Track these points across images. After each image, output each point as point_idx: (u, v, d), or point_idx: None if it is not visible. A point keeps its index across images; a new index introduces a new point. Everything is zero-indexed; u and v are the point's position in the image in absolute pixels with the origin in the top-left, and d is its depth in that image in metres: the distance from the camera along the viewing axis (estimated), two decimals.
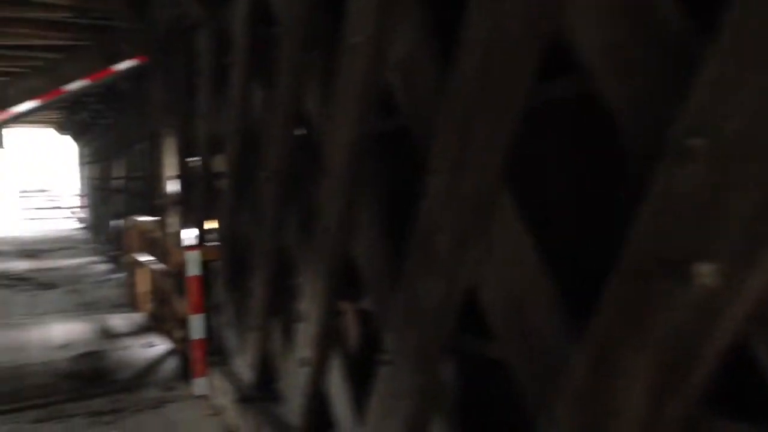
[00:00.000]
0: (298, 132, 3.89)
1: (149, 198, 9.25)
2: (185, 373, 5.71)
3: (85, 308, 9.36)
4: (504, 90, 2.13)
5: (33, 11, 7.73)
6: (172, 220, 7.33)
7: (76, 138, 26.09)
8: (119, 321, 7.82)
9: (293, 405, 4.03)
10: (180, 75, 6.14)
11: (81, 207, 26.96)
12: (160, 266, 6.87)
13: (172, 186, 7.49)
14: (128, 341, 6.84)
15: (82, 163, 27.96)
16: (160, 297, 7.37)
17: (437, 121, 2.47)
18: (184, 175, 6.70)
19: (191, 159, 6.71)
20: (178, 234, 6.66)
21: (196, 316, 5.37)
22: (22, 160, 27.05)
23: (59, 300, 10.08)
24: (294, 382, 3.99)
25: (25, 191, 27.36)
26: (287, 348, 4.27)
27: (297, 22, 3.65)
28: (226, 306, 5.37)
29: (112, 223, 15.10)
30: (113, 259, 13.76)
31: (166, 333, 6.96)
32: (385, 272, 3.04)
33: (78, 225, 25.24)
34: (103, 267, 13.65)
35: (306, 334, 3.74)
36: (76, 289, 11.03)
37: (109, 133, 16.58)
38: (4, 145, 26.15)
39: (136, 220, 8.03)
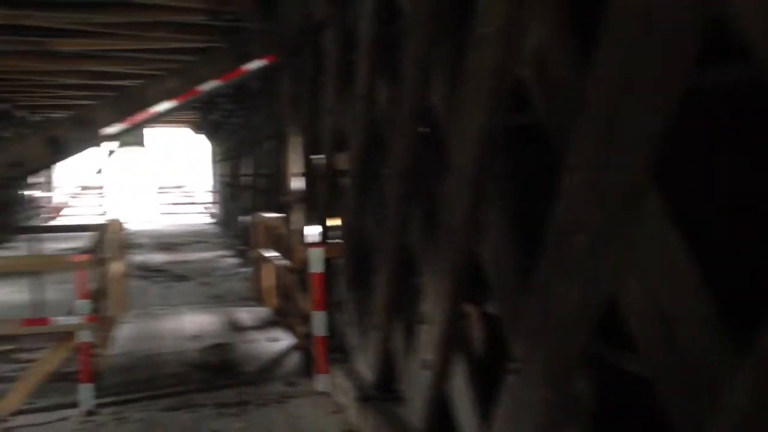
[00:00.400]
0: (422, 128, 3.80)
1: (275, 195, 9.49)
2: (308, 369, 5.77)
3: (215, 300, 9.74)
4: (657, 78, 1.93)
5: (169, 15, 8.10)
6: (296, 216, 7.47)
7: (209, 137, 27.43)
8: (245, 314, 8.06)
9: (414, 407, 3.94)
10: (306, 74, 6.22)
11: (212, 203, 28.32)
12: (285, 262, 7.00)
13: (297, 183, 7.63)
14: (254, 335, 7.02)
15: (214, 161, 29.37)
16: (284, 292, 7.53)
17: (576, 114, 2.30)
18: (309, 173, 6.79)
19: (316, 156, 6.80)
20: (301, 231, 6.76)
21: (319, 313, 5.40)
22: (160, 158, 28.76)
23: (191, 291, 10.55)
24: (416, 384, 3.91)
25: (162, 187, 29.07)
26: (409, 349, 4.19)
27: (423, 15, 3.56)
28: (347, 304, 5.37)
29: (240, 218, 15.70)
30: (241, 254, 14.30)
31: (290, 328, 7.09)
32: (513, 275, 2.89)
33: (210, 220, 26.52)
34: (232, 261, 14.21)
35: (429, 336, 3.65)
36: (206, 281, 11.52)
37: (239, 132, 17.26)
38: (144, 144, 27.98)
39: (263, 217, 8.24)
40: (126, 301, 8.59)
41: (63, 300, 10.05)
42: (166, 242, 18.23)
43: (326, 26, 5.32)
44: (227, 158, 21.72)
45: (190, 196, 29.06)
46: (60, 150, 6.49)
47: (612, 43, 2.10)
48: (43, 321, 4.78)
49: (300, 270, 6.64)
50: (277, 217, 7.31)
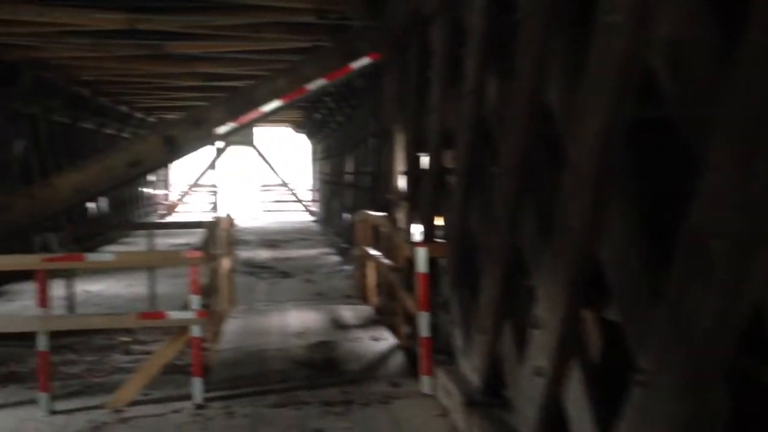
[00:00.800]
0: (536, 124, 3.64)
1: (378, 193, 9.50)
2: (411, 370, 5.70)
3: (318, 298, 9.85)
4: None
5: (278, 16, 8.25)
6: (401, 215, 7.42)
7: (310, 136, 28.00)
8: (348, 312, 8.10)
9: (525, 415, 3.79)
10: (412, 70, 6.15)
11: (313, 201, 28.90)
12: (388, 261, 6.97)
13: (401, 181, 7.59)
14: (357, 333, 7.03)
15: (314, 160, 29.97)
16: (387, 291, 7.50)
17: (717, 109, 2.10)
18: (413, 171, 6.73)
19: (421, 154, 6.73)
20: (406, 229, 6.71)
21: (423, 314, 5.32)
22: (263, 156, 29.57)
23: (295, 288, 10.73)
24: (527, 391, 3.75)
25: (266, 185, 29.89)
26: (519, 354, 4.04)
27: (540, 5, 3.40)
28: (452, 305, 5.26)
29: (343, 216, 15.89)
30: (343, 252, 14.47)
31: (392, 327, 7.05)
32: (639, 280, 2.69)
33: (311, 218, 27.05)
34: (334, 258, 14.39)
35: (542, 341, 3.49)
36: (309, 278, 11.70)
37: (341, 130, 17.49)
38: (253, 143, 28.85)
39: (366, 215, 8.26)
40: (234, 296, 8.82)
41: (175, 294, 10.46)
42: (270, 239, 18.70)
43: (434, 21, 5.23)
44: (328, 156, 22.07)
45: (291, 194, 29.73)
46: (175, 149, 6.72)
47: (761, 23, 1.90)
48: (158, 315, 4.93)
49: (404, 269, 6.60)
50: (380, 216, 7.29)
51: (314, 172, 29.74)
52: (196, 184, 29.62)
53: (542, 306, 3.49)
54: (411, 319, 6.36)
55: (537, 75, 3.43)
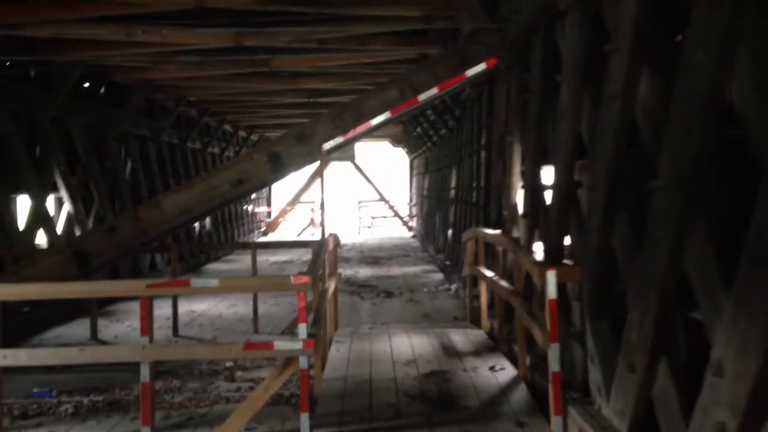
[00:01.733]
0: (711, 126, 3.01)
1: (489, 208, 8.92)
2: (537, 407, 5.10)
3: (424, 319, 9.35)
4: None
5: (385, 26, 7.87)
6: (518, 233, 6.82)
7: (409, 150, 27.65)
8: (459, 337, 7.54)
9: None
10: (536, 73, 5.58)
11: (412, 216, 28.49)
12: (504, 283, 6.38)
13: (519, 196, 7.00)
14: (471, 361, 6.46)
15: (413, 174, 29.59)
16: (502, 315, 6.90)
17: None
18: (534, 185, 6.14)
19: (543, 166, 6.13)
20: (526, 249, 6.11)
21: (554, 346, 4.71)
22: (362, 172, 29.48)
23: (399, 309, 10.27)
24: None
25: (364, 200, 29.76)
26: (682, 401, 3.39)
27: None
28: (589, 337, 4.63)
29: (446, 233, 15.35)
30: (446, 269, 13.93)
31: (510, 355, 6.45)
32: None
33: (410, 233, 26.65)
34: (437, 276, 13.86)
35: (727, 393, 2.83)
36: (413, 298, 11.22)
37: (443, 143, 16.99)
38: (354, 158, 28.78)
39: (478, 232, 7.70)
40: (337, 319, 8.45)
41: (279, 315, 10.20)
42: (371, 256, 18.38)
43: (566, 16, 4.65)
44: (428, 171, 21.61)
45: (390, 209, 29.46)
46: (280, 166, 6.41)
47: None
48: (265, 345, 4.56)
49: (524, 293, 6.00)
50: (496, 234, 6.72)
51: (413, 187, 29.37)
52: (296, 201, 29.85)
53: (727, 350, 2.84)
54: (533, 349, 5.75)
55: (718, 67, 2.80)
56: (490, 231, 6.97)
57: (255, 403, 4.59)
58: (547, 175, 6.17)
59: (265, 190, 30.73)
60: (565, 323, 5.07)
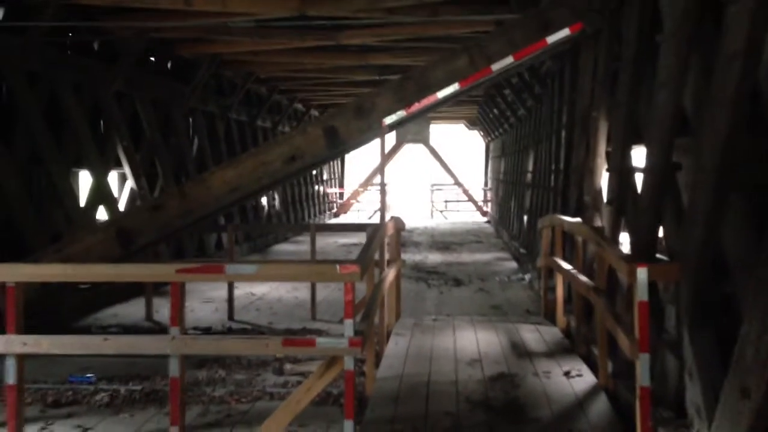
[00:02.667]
0: None
1: (567, 193, 8.14)
2: (620, 422, 4.40)
3: (493, 312, 8.69)
4: None
5: None
6: (603, 222, 6.07)
7: (484, 132, 26.74)
8: (531, 334, 6.84)
9: None
10: (629, 38, 4.80)
11: (487, 201, 27.61)
12: (584, 278, 5.66)
13: (603, 180, 6.23)
14: (544, 364, 5.77)
15: (489, 158, 28.65)
16: (580, 313, 6.17)
17: None
18: (622, 167, 5.37)
19: (633, 146, 5.35)
20: (610, 241, 5.36)
21: (643, 356, 3.99)
22: (435, 154, 28.78)
23: (467, 300, 9.63)
24: None
25: (437, 184, 29.03)
26: None
27: None
28: (687, 348, 3.89)
29: (521, 219, 14.55)
30: (520, 258, 13.16)
31: (588, 359, 5.74)
32: None
33: (484, 219, 25.81)
34: (510, 265, 13.11)
35: None
36: (483, 288, 10.54)
37: (521, 125, 16.13)
38: (429, 140, 28.07)
39: (556, 219, 6.96)
40: (399, 308, 7.89)
41: (336, 300, 9.72)
42: (442, 241, 17.73)
43: None
44: (504, 154, 20.73)
45: (464, 194, 28.66)
46: (337, 142, 5.85)
47: None
48: (307, 342, 4.04)
49: (607, 290, 5.27)
50: (577, 222, 5.98)
51: (488, 171, 28.46)
52: (369, 182, 29.44)
53: None
54: (616, 355, 5.03)
55: None
56: (568, 219, 6.23)
57: (295, 405, 4.08)
58: (638, 156, 5.40)
59: (337, 171, 30.46)
60: (656, 329, 4.34)
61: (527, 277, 11.22)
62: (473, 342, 6.60)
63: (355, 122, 5.83)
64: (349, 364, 3.95)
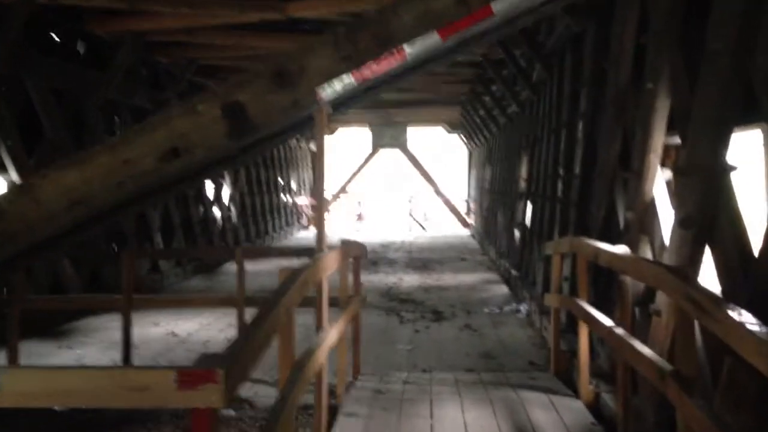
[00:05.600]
0: None
1: (587, 207, 5.99)
2: None
3: (485, 363, 6.52)
4: None
5: None
6: (658, 251, 3.92)
7: (467, 137, 24.58)
8: (544, 414, 4.66)
9: None
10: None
11: (470, 212, 25.44)
12: (644, 348, 3.49)
13: (658, 187, 4.10)
14: None
15: (472, 165, 26.48)
16: (622, 384, 4.01)
17: None
18: (715, 165, 3.23)
19: (737, 128, 3.21)
20: (680, 273, 3.19)
21: None
22: (413, 161, 26.63)
23: (450, 342, 7.43)
24: None
25: (417, 194, 26.86)
26: None
27: None
28: None
29: (512, 234, 12.41)
30: (511, 281, 11.04)
31: None
32: None
33: (467, 231, 23.65)
34: (499, 290, 10.96)
35: None
36: (469, 324, 8.34)
37: (511, 125, 14.03)
38: (406, 145, 25.80)
39: (577, 244, 4.81)
40: (357, 361, 5.72)
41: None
42: (420, 258, 15.52)
43: None
44: (490, 160, 18.61)
45: (446, 204, 26.50)
46: (246, 126, 3.66)
47: None
48: None
49: (673, 351, 3.13)
50: (622, 254, 3.80)
51: (471, 180, 26.34)
52: (341, 192, 27.22)
53: None
54: None
55: None
56: (608, 247, 4.04)
57: None
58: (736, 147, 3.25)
59: (308, 179, 28.13)
60: None
61: (523, 308, 9.07)
62: (460, 427, 4.42)
63: (273, 95, 3.63)
64: None
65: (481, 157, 21.53)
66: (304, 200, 26.05)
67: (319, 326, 3.83)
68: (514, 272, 11.00)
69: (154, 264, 11.73)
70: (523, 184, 11.05)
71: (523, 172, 11.07)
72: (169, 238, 12.40)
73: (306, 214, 26.23)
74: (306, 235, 21.87)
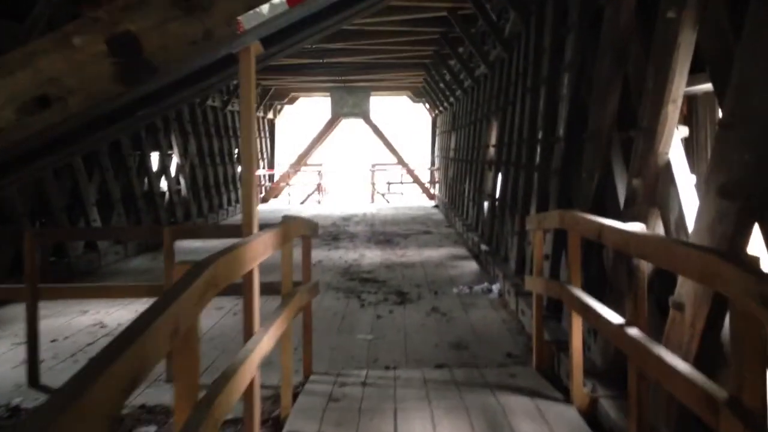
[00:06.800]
0: None
1: (576, 174, 5.15)
2: None
3: (456, 353, 5.71)
4: None
5: None
6: (670, 222, 3.08)
7: (431, 104, 23.67)
8: (529, 423, 3.84)
9: None
10: None
11: (434, 182, 24.62)
12: (676, 361, 2.66)
13: (675, 149, 3.25)
14: None
15: (436, 133, 25.56)
16: (635, 402, 3.20)
17: None
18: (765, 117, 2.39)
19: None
20: (746, 264, 2.35)
21: None
22: (376, 131, 25.66)
23: (416, 329, 6.59)
24: None
25: (378, 164, 25.91)
26: None
27: None
28: None
29: (481, 205, 11.60)
30: (481, 257, 10.26)
31: None
32: None
33: (431, 203, 22.86)
34: (469, 266, 10.16)
35: None
36: (437, 307, 7.51)
37: (477, 88, 13.16)
38: (369, 115, 24.76)
39: (570, 218, 3.96)
40: (308, 359, 4.85)
41: (225, 330, 6.39)
42: (383, 232, 14.65)
43: None
44: (455, 127, 17.75)
45: (409, 174, 25.64)
46: (140, 66, 2.69)
47: None
48: None
49: (702, 352, 2.31)
50: (637, 233, 2.94)
51: (436, 149, 25.48)
52: (302, 163, 26.16)
53: None
54: None
55: None
56: (616, 224, 3.18)
57: None
58: None
59: (266, 149, 26.98)
60: None
61: (495, 288, 8.27)
62: None
63: (177, 23, 2.68)
64: None
65: (446, 124, 20.66)
66: (261, 172, 24.94)
67: (246, 335, 2.92)
68: (483, 247, 10.21)
69: (91, 242, 10.67)
70: (492, 151, 10.20)
71: (493, 138, 10.21)
72: (108, 214, 11.32)
73: (265, 186, 25.16)
74: (263, 208, 20.81)
